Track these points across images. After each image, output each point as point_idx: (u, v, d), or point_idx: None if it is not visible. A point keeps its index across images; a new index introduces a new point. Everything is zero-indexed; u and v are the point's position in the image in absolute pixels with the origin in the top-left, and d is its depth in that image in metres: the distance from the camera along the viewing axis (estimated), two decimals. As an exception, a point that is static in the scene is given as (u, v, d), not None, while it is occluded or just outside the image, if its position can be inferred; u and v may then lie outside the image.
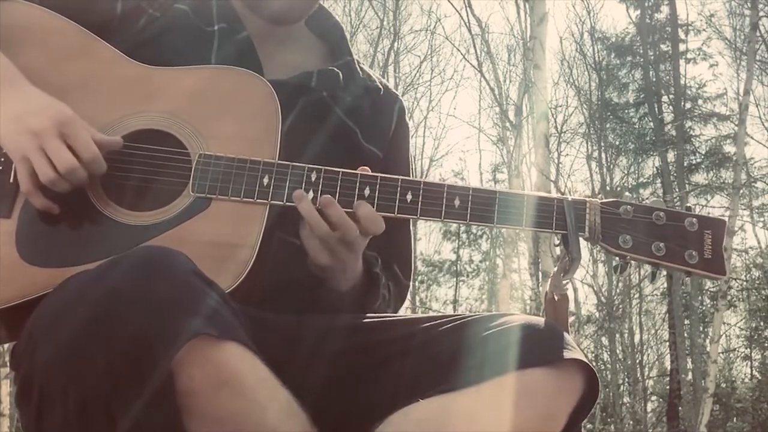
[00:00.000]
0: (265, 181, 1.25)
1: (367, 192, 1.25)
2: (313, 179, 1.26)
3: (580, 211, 1.25)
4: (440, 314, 1.29)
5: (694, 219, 1.23)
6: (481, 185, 1.26)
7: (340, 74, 1.49)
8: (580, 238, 1.23)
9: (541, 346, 1.11)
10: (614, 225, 1.24)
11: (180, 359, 0.94)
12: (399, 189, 1.26)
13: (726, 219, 1.27)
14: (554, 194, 1.28)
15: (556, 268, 1.25)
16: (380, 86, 1.57)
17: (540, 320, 1.17)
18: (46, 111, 1.23)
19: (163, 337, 0.93)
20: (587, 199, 1.26)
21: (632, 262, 1.25)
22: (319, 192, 1.25)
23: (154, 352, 0.92)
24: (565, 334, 1.15)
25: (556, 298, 1.25)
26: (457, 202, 1.25)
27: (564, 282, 1.24)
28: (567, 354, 1.10)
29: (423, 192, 1.26)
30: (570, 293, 1.29)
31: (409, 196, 1.26)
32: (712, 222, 1.24)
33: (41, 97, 1.26)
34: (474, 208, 1.25)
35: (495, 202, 1.25)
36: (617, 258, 1.25)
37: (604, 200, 1.26)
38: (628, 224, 1.24)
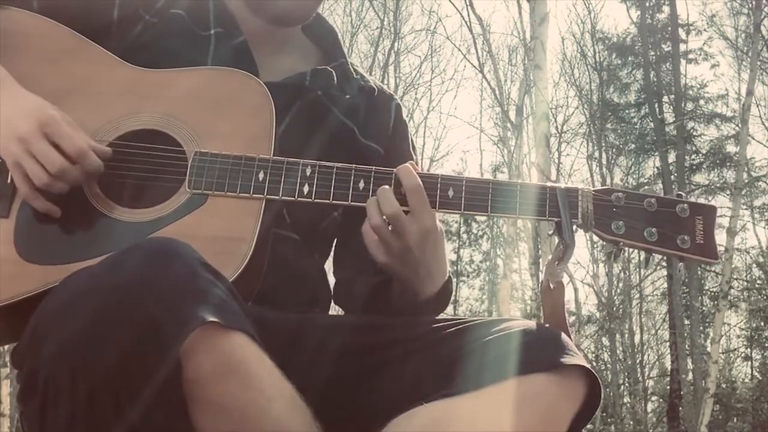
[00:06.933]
0: (261, 176, 1.26)
1: (361, 185, 1.26)
2: (308, 173, 1.26)
3: (572, 198, 1.26)
4: (442, 318, 1.29)
5: (686, 205, 1.25)
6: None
7: (334, 73, 1.49)
8: (575, 226, 1.24)
9: (543, 352, 1.11)
10: (606, 211, 1.25)
11: (188, 347, 0.94)
12: (394, 181, 1.26)
13: (716, 206, 1.29)
14: (547, 183, 1.29)
15: (550, 257, 1.25)
16: (374, 86, 1.58)
17: (542, 326, 1.18)
18: (30, 113, 1.24)
19: (172, 325, 0.93)
20: (580, 187, 1.27)
21: (625, 248, 1.26)
22: (315, 186, 1.26)
23: (163, 340, 0.92)
24: (567, 340, 1.15)
25: (552, 286, 1.25)
26: (451, 193, 1.26)
27: (559, 269, 1.25)
28: (569, 360, 1.10)
29: None
30: (570, 292, 1.29)
31: (403, 188, 1.25)
32: (702, 208, 1.25)
33: (27, 98, 1.26)
34: (468, 197, 1.26)
35: (488, 192, 1.26)
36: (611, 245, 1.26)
37: (597, 188, 1.28)
38: (620, 210, 1.25)
